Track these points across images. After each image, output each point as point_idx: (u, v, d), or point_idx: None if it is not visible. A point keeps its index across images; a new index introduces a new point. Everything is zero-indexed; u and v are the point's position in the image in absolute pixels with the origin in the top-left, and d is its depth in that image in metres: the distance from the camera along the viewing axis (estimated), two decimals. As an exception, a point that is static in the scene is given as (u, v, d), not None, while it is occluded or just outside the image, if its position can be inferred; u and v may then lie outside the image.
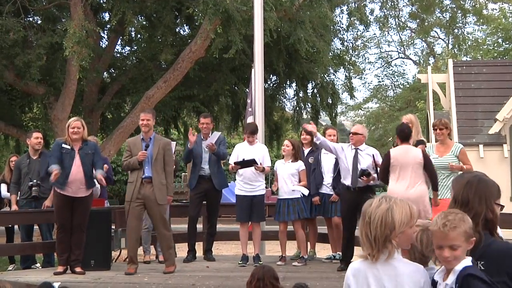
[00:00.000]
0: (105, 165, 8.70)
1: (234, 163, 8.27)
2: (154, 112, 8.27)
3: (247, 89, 14.23)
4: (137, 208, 7.56)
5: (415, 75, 32.61)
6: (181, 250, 10.62)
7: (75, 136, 7.54)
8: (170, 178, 7.74)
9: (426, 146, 7.85)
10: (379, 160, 7.75)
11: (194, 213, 8.60)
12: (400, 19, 27.52)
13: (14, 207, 8.93)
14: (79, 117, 8.67)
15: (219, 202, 8.80)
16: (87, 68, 13.32)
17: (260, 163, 8.21)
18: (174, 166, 8.69)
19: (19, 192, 8.98)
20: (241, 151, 8.42)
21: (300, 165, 8.30)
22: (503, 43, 28.09)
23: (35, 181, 8.70)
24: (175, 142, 8.88)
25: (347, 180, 7.81)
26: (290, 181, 8.24)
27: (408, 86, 34.99)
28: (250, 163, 8.17)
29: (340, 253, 8.26)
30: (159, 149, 7.62)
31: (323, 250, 9.88)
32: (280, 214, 8.27)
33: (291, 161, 8.31)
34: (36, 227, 9.44)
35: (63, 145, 7.54)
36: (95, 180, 7.89)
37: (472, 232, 2.79)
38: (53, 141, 8.09)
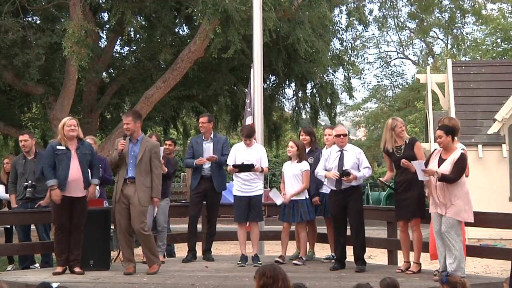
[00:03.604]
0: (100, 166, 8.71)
1: (233, 165, 8.27)
2: (136, 112, 8.12)
3: (246, 89, 14.22)
4: (123, 208, 7.52)
5: (414, 75, 32.66)
6: (180, 250, 10.62)
7: (72, 133, 7.50)
8: (158, 180, 7.60)
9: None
10: (364, 158, 7.85)
11: (194, 212, 8.60)
12: (399, 19, 27.53)
13: (15, 206, 8.94)
14: (74, 117, 8.66)
15: (219, 202, 8.78)
16: (86, 68, 13.31)
17: (259, 166, 8.25)
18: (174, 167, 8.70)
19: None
20: (238, 152, 8.41)
21: (304, 165, 8.33)
22: (502, 43, 28.11)
23: (29, 182, 8.67)
24: (163, 148, 8.75)
25: (330, 183, 7.88)
26: (295, 182, 8.29)
27: (407, 86, 35.00)
28: (249, 168, 8.19)
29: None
30: (145, 151, 7.55)
31: (322, 250, 9.88)
32: (285, 214, 8.31)
33: (297, 162, 8.35)
34: (33, 227, 9.43)
35: (58, 147, 7.49)
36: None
37: None
38: (50, 143, 8.04)
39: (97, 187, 8.65)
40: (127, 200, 7.50)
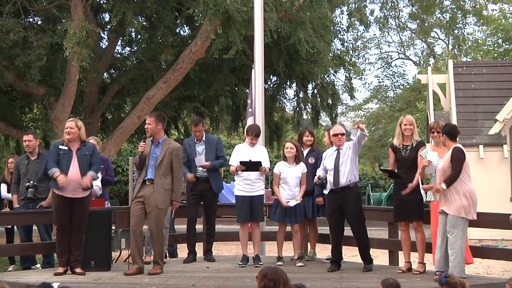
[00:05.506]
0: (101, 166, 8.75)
1: (240, 162, 8.23)
2: (160, 114, 8.03)
3: (247, 90, 14.22)
4: (137, 208, 7.53)
5: (415, 75, 32.65)
6: (181, 250, 10.62)
7: (68, 136, 7.55)
8: (179, 183, 7.61)
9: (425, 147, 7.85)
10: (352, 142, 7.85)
11: (192, 214, 8.61)
12: (400, 20, 27.57)
13: (17, 206, 8.95)
14: (76, 118, 8.67)
15: (216, 202, 8.80)
16: (87, 68, 13.31)
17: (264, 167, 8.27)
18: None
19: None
20: (241, 152, 8.40)
21: (304, 167, 8.35)
22: (503, 44, 28.10)
23: (31, 182, 8.68)
24: None
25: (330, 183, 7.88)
26: (296, 184, 8.29)
27: (408, 86, 35.00)
28: (256, 165, 8.17)
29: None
30: (166, 153, 7.54)
31: (323, 251, 9.87)
32: (287, 216, 8.27)
33: (295, 164, 8.33)
34: (35, 227, 9.44)
35: (60, 147, 7.56)
36: (93, 182, 7.89)
37: None
38: (53, 142, 8.08)
39: (99, 187, 8.67)
40: (143, 200, 7.51)
